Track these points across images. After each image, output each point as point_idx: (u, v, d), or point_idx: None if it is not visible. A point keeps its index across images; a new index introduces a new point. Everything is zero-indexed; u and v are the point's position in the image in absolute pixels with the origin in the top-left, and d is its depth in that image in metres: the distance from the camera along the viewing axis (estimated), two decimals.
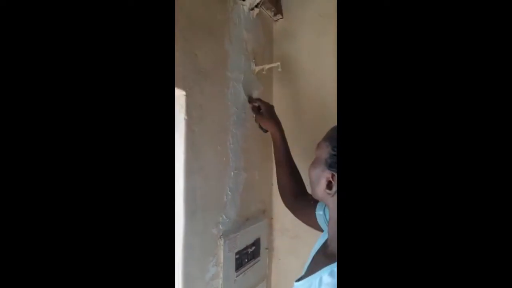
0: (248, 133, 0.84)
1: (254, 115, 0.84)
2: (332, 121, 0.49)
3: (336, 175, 0.49)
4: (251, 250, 0.85)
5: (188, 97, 0.62)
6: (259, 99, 0.83)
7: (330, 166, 0.50)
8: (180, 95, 0.61)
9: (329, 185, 0.51)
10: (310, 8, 0.94)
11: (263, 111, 0.80)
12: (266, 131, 0.84)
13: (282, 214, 1.01)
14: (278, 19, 0.98)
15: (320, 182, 0.52)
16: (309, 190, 0.63)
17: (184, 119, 0.61)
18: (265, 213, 0.97)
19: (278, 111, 1.02)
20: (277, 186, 0.79)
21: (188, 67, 0.62)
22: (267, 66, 0.84)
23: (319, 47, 0.92)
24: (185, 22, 0.61)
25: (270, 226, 1.00)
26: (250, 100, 0.83)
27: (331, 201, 0.52)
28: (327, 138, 0.53)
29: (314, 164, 0.54)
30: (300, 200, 0.73)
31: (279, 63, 0.81)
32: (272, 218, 1.01)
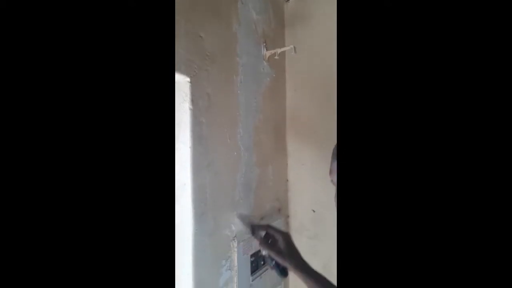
0: (259, 125, 0.77)
1: (263, 253, 0.58)
2: None
3: None
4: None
5: (193, 84, 0.55)
6: (268, 226, 0.59)
7: None
8: (184, 81, 0.54)
9: None
10: None
11: (281, 243, 0.56)
12: (286, 273, 0.59)
13: (299, 212, 0.94)
14: (289, 0, 0.90)
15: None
16: None
17: (190, 109, 0.55)
18: (281, 212, 0.90)
19: (291, 100, 0.95)
20: (293, 182, 0.69)
21: (192, 50, 0.55)
22: (279, 50, 0.76)
23: (335, 28, 0.83)
24: (188, 1, 0.54)
25: (287, 225, 0.93)
26: (255, 230, 0.60)
27: None
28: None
29: (333, 170, 0.45)
30: None
31: (293, 46, 0.73)
32: (288, 217, 0.94)
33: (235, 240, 0.66)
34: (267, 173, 0.82)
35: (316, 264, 0.91)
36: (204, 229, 0.58)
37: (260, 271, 0.75)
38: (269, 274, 0.80)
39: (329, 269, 0.90)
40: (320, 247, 0.90)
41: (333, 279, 0.49)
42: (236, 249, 0.66)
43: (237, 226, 0.68)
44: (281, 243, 0.56)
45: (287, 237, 0.58)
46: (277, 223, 0.84)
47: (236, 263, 0.66)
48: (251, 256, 0.71)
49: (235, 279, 0.66)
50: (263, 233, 0.59)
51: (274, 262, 0.57)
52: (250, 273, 0.71)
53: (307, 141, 0.78)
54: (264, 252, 0.57)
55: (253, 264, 0.73)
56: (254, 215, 0.75)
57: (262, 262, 0.77)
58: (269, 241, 0.57)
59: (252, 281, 0.72)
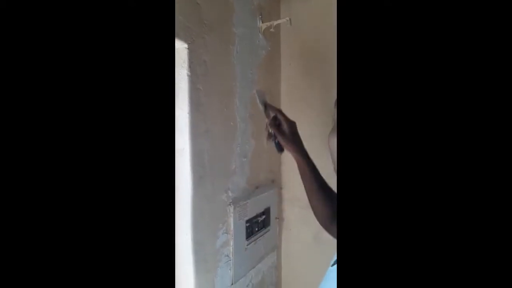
0: (255, 97, 0.79)
1: (268, 130, 0.62)
2: None
3: None
4: (261, 219, 0.82)
5: (190, 50, 0.56)
6: (279, 111, 0.63)
7: None
8: (181, 47, 0.55)
9: None
10: None
11: (286, 129, 0.61)
12: (282, 150, 0.64)
13: (292, 184, 0.97)
14: None
15: None
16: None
17: (187, 75, 0.56)
18: (274, 183, 0.93)
19: (288, 73, 0.96)
20: (286, 156, 0.69)
21: (190, 17, 0.56)
22: (275, 22, 0.77)
23: (333, 1, 0.84)
24: None
25: (280, 196, 0.97)
26: (267, 109, 0.64)
27: None
28: None
29: (333, 130, 0.45)
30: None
31: (288, 18, 0.73)
32: (281, 188, 0.98)
33: (231, 205, 0.69)
34: (262, 146, 0.85)
35: (307, 232, 0.96)
36: (203, 192, 0.61)
37: (255, 237, 0.80)
38: (263, 240, 0.84)
39: (319, 238, 0.95)
40: (311, 217, 0.94)
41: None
42: (232, 214, 0.69)
43: (233, 192, 0.71)
44: (286, 128, 0.62)
45: (293, 125, 0.63)
46: (271, 193, 0.88)
47: (232, 227, 0.70)
48: (246, 221, 0.75)
49: (231, 243, 0.70)
50: (273, 114, 0.63)
51: (276, 141, 0.62)
52: (245, 237, 0.75)
53: (301, 114, 0.80)
54: (270, 130, 0.62)
55: (248, 230, 0.76)
56: (248, 184, 0.78)
57: (256, 229, 0.81)
58: (277, 123, 0.62)
59: (247, 245, 0.76)
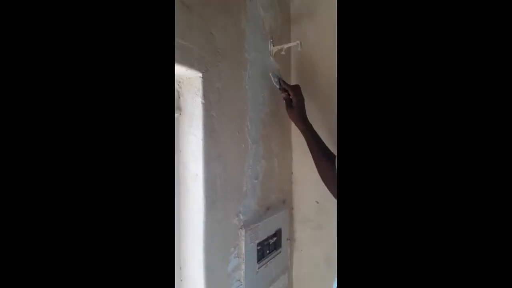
0: (266, 119, 0.80)
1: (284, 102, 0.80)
2: None
3: None
4: (272, 241, 0.82)
5: (204, 79, 0.57)
6: (291, 88, 0.79)
7: None
8: (196, 77, 0.57)
9: None
10: None
11: (295, 104, 0.78)
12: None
13: (303, 204, 0.97)
14: None
15: None
16: None
17: (202, 103, 0.57)
18: (285, 203, 0.93)
19: None
20: (297, 175, 0.75)
21: (205, 47, 0.57)
22: (286, 46, 0.78)
23: None
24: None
25: (291, 217, 0.97)
26: (281, 84, 0.79)
27: None
28: None
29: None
30: None
31: (299, 42, 0.75)
32: (292, 208, 0.97)
33: (243, 229, 0.69)
34: (273, 166, 0.85)
35: (319, 254, 0.95)
36: (215, 217, 0.61)
37: (266, 259, 0.79)
38: (274, 262, 0.83)
39: (332, 259, 0.93)
40: (323, 238, 0.94)
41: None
42: (243, 237, 0.69)
43: (244, 215, 0.71)
44: (294, 103, 0.79)
45: (301, 101, 0.79)
46: (282, 214, 0.88)
47: (243, 251, 0.69)
48: (258, 244, 0.75)
49: (243, 266, 0.70)
50: (287, 93, 0.80)
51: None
52: (256, 261, 0.74)
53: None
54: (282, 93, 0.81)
55: (260, 253, 0.76)
56: (259, 205, 0.78)
57: (267, 251, 0.80)
58: (289, 97, 0.80)
59: (258, 268, 0.76)
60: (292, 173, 0.97)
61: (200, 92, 0.57)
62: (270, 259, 0.81)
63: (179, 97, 0.60)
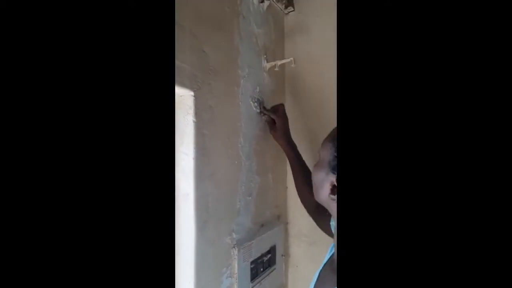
0: (260, 134, 0.79)
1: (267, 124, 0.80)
2: None
3: None
4: (266, 258, 0.80)
5: (196, 97, 0.57)
6: (272, 109, 0.78)
7: (334, 169, 0.45)
8: (188, 95, 0.56)
9: (333, 190, 0.46)
10: None
11: (277, 125, 0.77)
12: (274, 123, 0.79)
13: (298, 219, 0.95)
14: (289, 12, 0.92)
15: (323, 186, 0.47)
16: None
17: (193, 121, 0.57)
18: (280, 219, 0.92)
19: (291, 110, 0.97)
20: (292, 189, 0.75)
21: (196, 65, 0.57)
22: (279, 62, 0.79)
23: (334, 40, 0.86)
24: (192, 16, 0.56)
25: (286, 232, 0.95)
26: (262, 111, 0.78)
27: (336, 208, 0.46)
28: (331, 137, 0.48)
29: (318, 166, 0.50)
30: (321, 210, 0.68)
31: (292, 59, 0.75)
32: (287, 223, 0.96)
33: (236, 247, 0.68)
34: (267, 181, 0.84)
35: (314, 270, 0.93)
36: (206, 237, 0.60)
37: (260, 278, 0.77)
38: (269, 280, 0.81)
39: None
40: (318, 254, 0.92)
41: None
42: (236, 257, 0.67)
43: (237, 233, 0.69)
44: (278, 125, 0.77)
45: (284, 122, 0.78)
46: (276, 230, 0.86)
47: (236, 270, 0.68)
48: (251, 263, 0.73)
49: (235, 286, 0.68)
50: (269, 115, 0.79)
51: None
52: (250, 280, 0.73)
53: (304, 150, 0.80)
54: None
55: (253, 271, 0.74)
56: (253, 222, 0.77)
57: (261, 269, 0.78)
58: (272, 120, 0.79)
59: (252, 287, 0.74)
60: (287, 187, 0.96)
61: (191, 111, 0.57)
62: (264, 277, 0.79)
63: None
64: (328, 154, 0.46)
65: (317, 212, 0.69)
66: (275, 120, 0.77)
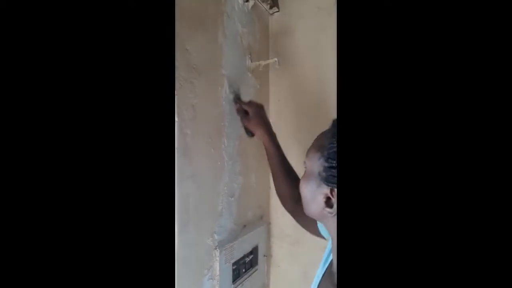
0: (243, 134, 0.79)
1: (239, 118, 0.75)
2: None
3: (336, 190, 0.40)
4: (248, 259, 0.80)
5: (178, 96, 0.56)
6: (248, 102, 0.74)
7: (326, 180, 0.41)
8: None
9: (328, 203, 0.42)
10: (308, 0, 0.88)
11: (250, 113, 0.71)
12: (252, 135, 0.77)
13: (280, 219, 0.96)
14: (274, 12, 0.93)
15: (316, 199, 0.43)
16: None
17: (175, 121, 0.55)
18: (263, 219, 0.92)
19: (275, 110, 0.97)
20: (274, 190, 0.72)
21: (179, 63, 0.56)
22: (263, 63, 0.79)
23: (319, 42, 0.87)
24: (176, 14, 0.55)
25: (268, 232, 0.95)
26: (236, 101, 0.74)
27: (332, 222, 0.43)
28: (317, 147, 0.44)
29: (306, 177, 0.45)
30: (301, 206, 0.67)
31: (276, 59, 0.75)
32: (270, 223, 0.96)
33: (218, 249, 0.67)
34: (250, 181, 0.84)
35: (296, 270, 0.94)
36: (187, 239, 0.58)
37: (241, 279, 0.77)
38: (251, 281, 0.81)
39: (309, 276, 0.93)
40: (300, 253, 0.93)
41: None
42: (218, 258, 0.67)
43: (219, 235, 0.68)
44: (251, 113, 0.72)
45: (259, 108, 0.73)
46: (259, 231, 0.86)
47: (218, 272, 0.67)
48: (233, 264, 0.73)
49: None
50: (242, 106, 0.74)
51: (244, 128, 0.76)
52: (231, 281, 0.72)
53: (288, 150, 0.80)
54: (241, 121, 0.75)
55: (235, 272, 0.74)
56: (235, 223, 0.76)
57: (243, 270, 0.78)
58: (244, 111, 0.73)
59: None
60: (270, 187, 0.96)
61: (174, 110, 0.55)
62: (247, 277, 0.79)
63: None
64: (317, 165, 0.43)
65: (298, 209, 0.63)
66: (247, 110, 0.72)
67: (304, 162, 0.47)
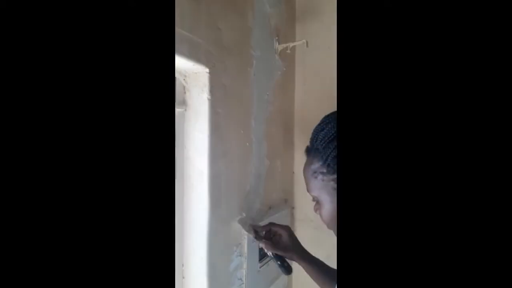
0: (271, 117, 0.79)
1: (259, 243, 0.62)
2: None
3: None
4: None
5: (211, 75, 0.56)
6: (269, 224, 0.64)
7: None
8: (203, 72, 0.56)
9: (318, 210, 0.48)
10: None
11: (283, 240, 0.62)
12: (290, 271, 0.64)
13: (304, 204, 0.96)
14: None
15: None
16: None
17: (208, 99, 0.56)
18: (287, 203, 0.92)
19: (301, 94, 0.97)
20: (299, 175, 0.71)
21: (212, 42, 0.56)
22: (292, 44, 0.78)
23: None
24: None
25: (292, 216, 0.96)
26: (257, 232, 0.64)
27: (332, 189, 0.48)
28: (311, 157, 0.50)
29: (307, 163, 0.51)
30: None
31: (305, 41, 0.74)
32: (293, 208, 0.97)
33: None
34: (276, 165, 0.84)
35: (320, 254, 0.94)
36: (218, 215, 0.60)
37: (268, 259, 0.78)
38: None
39: (333, 259, 0.93)
40: (324, 238, 0.93)
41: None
42: (246, 237, 0.68)
43: (247, 214, 0.70)
44: (285, 237, 0.62)
45: (289, 230, 0.64)
46: (284, 214, 0.87)
47: (246, 250, 0.68)
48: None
49: (245, 265, 0.69)
50: (263, 233, 0.64)
51: (279, 261, 0.62)
52: (258, 260, 0.74)
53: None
54: (268, 253, 0.62)
55: (261, 252, 0.75)
56: (262, 204, 0.77)
57: None
58: (272, 238, 0.63)
59: (260, 267, 0.75)
60: (293, 173, 0.96)
61: (206, 88, 0.56)
62: (271, 258, 0.80)
63: (184, 92, 0.58)
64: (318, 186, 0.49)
65: None
66: (279, 232, 0.62)
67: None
